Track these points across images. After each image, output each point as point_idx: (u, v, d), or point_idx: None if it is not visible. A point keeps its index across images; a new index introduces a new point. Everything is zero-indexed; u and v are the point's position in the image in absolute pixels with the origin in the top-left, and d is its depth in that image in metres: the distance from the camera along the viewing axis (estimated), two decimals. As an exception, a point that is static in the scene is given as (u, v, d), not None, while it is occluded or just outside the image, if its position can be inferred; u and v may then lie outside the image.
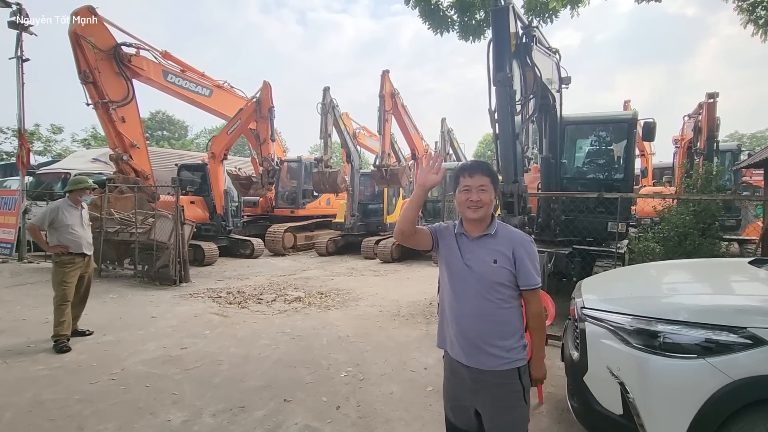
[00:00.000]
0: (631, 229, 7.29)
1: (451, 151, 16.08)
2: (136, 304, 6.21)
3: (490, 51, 3.78)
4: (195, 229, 8.90)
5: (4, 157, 27.23)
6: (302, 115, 57.53)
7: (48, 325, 4.48)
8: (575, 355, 2.41)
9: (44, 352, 4.22)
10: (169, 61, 10.73)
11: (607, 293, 2.66)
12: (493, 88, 3.70)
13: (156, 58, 10.37)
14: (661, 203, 6.45)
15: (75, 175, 4.66)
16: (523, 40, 4.05)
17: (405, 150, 12.91)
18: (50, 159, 23.41)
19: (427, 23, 6.21)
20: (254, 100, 10.71)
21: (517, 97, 3.73)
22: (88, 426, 2.89)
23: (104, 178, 10.74)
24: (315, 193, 14.29)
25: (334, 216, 14.36)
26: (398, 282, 8.55)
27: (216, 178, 11.22)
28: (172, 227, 7.74)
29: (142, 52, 10.05)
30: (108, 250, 8.88)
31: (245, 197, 12.60)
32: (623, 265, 4.92)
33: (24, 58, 10.32)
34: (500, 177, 3.94)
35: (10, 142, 32.78)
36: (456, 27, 6.24)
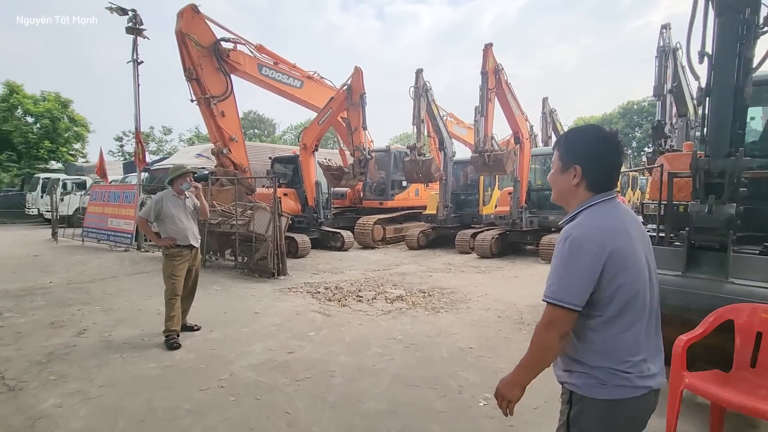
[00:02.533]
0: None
1: (553, 135, 14.47)
2: (239, 298, 6.08)
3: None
4: (290, 221, 8.78)
5: (127, 156, 30.87)
6: (380, 109, 57.71)
7: (160, 317, 4.37)
8: None
9: (156, 347, 4.09)
10: (263, 55, 10.80)
11: None
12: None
13: (251, 52, 10.47)
14: None
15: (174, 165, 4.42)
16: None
17: (503, 133, 11.68)
18: (162, 156, 25.88)
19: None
20: (345, 87, 10.35)
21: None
22: (199, 447, 2.51)
23: (206, 171, 11.22)
24: (404, 184, 13.71)
25: (424, 207, 13.71)
26: (507, 281, 7.58)
27: (308, 169, 11.12)
28: (270, 219, 7.62)
29: (239, 47, 10.20)
30: (211, 241, 9.13)
31: (334, 189, 12.43)
32: None
33: (139, 61, 11.09)
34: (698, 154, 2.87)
35: (131, 144, 37.27)
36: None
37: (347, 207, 14.43)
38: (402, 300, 6.10)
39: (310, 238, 11.10)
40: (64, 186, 18.12)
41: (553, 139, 15.05)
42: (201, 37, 9.38)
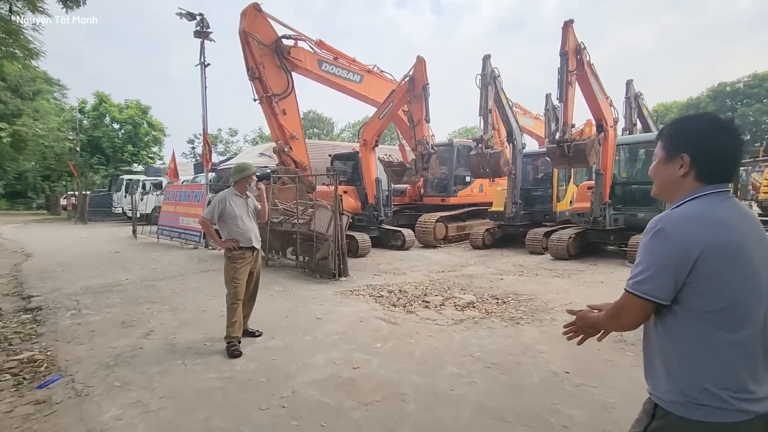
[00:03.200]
0: None
1: (638, 122, 12.89)
2: (300, 300, 5.84)
3: None
4: (351, 220, 8.49)
5: (198, 158, 32.88)
6: (438, 104, 56.51)
7: (222, 320, 4.20)
8: None
9: (218, 354, 3.90)
10: (323, 50, 10.64)
11: None
12: None
13: (311, 48, 10.34)
14: None
15: (237, 164, 4.17)
16: None
17: (581, 118, 10.51)
18: (228, 157, 27.19)
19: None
20: (406, 79, 9.86)
21: None
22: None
23: (269, 170, 11.32)
24: (467, 179, 12.98)
25: (489, 204, 12.88)
26: (591, 288, 6.69)
27: (368, 166, 10.80)
28: (331, 218, 7.37)
29: (299, 44, 10.11)
30: (273, 240, 9.12)
31: (394, 186, 12.03)
32: None
33: (206, 63, 11.43)
34: None
35: (201, 145, 39.73)
36: None
37: (407, 204, 13.99)
38: (473, 307, 5.52)
39: (370, 237, 10.79)
40: (143, 186, 19.51)
41: (639, 126, 13.44)
42: (263, 36, 9.39)
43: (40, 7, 11.32)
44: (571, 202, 11.56)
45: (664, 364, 1.22)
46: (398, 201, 13.62)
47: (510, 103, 10.47)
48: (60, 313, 5.27)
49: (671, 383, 1.19)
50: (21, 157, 27.09)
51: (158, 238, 12.77)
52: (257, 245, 4.18)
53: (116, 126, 27.54)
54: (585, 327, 1.48)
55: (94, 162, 26.90)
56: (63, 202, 25.64)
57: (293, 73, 10.06)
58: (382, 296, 6.07)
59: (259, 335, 4.33)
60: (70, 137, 25.04)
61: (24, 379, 3.49)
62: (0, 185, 38.90)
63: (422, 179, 11.86)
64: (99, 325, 4.84)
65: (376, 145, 11.03)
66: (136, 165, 27.38)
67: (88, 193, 23.37)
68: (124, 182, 20.89)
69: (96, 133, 26.03)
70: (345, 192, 11.27)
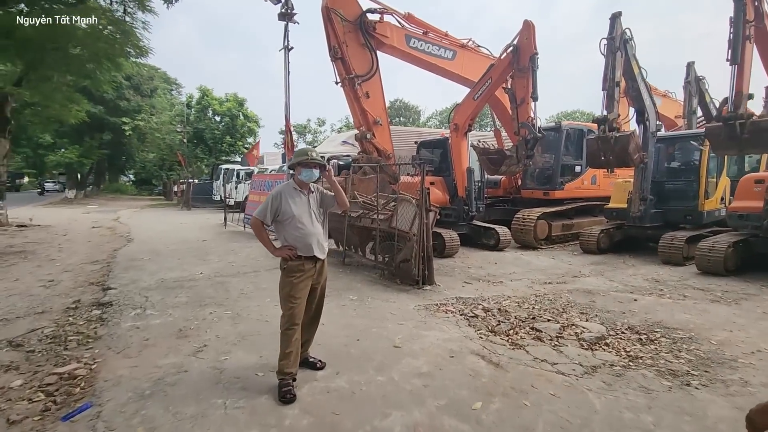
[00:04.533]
0: None
1: (698, 108, 10.20)
2: (376, 316, 4.85)
3: None
4: (438, 216, 7.32)
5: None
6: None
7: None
8: None
9: (268, 393, 3.05)
10: (412, 25, 9.50)
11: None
12: None
13: (399, 22, 9.26)
14: None
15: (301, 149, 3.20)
16: None
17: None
18: (313, 146, 27.55)
19: None
20: (510, 49, 8.29)
21: None
22: None
23: (349, 158, 10.58)
24: (577, 170, 10.94)
25: (604, 200, 10.74)
26: (783, 325, 4.70)
27: (459, 153, 9.48)
28: (415, 214, 6.27)
29: (386, 18, 9.08)
30: (351, 236, 8.32)
31: (488, 176, 10.51)
32: None
33: (290, 47, 10.99)
34: None
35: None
36: None
37: (501, 198, 12.36)
38: (606, 345, 4.02)
39: (459, 234, 9.51)
40: (237, 175, 20.33)
41: (698, 113, 10.76)
42: (347, 11, 8.54)
43: (148, 6, 11.84)
44: (722, 200, 9.03)
45: None
46: (491, 193, 12.05)
47: (644, 74, 8.32)
48: (125, 313, 4.94)
49: None
50: (143, 148, 30.48)
51: (244, 227, 12.87)
52: (321, 254, 3.23)
53: (217, 118, 29.51)
54: None
55: (198, 153, 29.19)
56: (175, 189, 28.21)
57: (378, 53, 9.09)
58: (476, 316, 4.82)
59: (321, 367, 3.40)
60: (179, 129, 27.32)
61: (54, 403, 2.97)
62: (131, 173, 44.75)
63: (522, 170, 10.15)
64: (156, 330, 4.35)
65: (470, 130, 9.63)
66: (234, 155, 29.11)
67: (194, 181, 25.30)
68: (222, 171, 22.07)
69: (200, 125, 28.10)
70: (432, 183, 10.09)
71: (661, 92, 13.92)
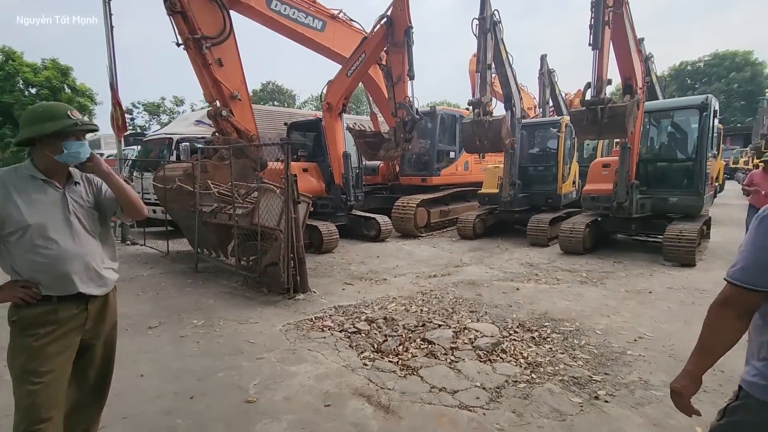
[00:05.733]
0: None
1: (550, 101, 11.82)
2: (227, 349, 3.62)
3: None
4: (312, 208, 6.28)
5: (138, 128, 28.92)
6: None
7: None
8: None
9: None
10: (272, -17, 8.07)
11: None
12: None
13: (257, -23, 7.76)
14: None
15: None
16: None
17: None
18: (162, 126, 23.73)
19: None
20: (383, 21, 7.54)
21: None
22: None
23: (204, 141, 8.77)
24: (452, 155, 10.95)
25: (476, 185, 10.98)
26: (643, 302, 4.89)
27: (334, 136, 8.53)
28: (282, 208, 5.12)
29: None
30: (207, 235, 6.77)
31: (366, 162, 9.82)
32: None
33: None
34: None
35: (142, 117, 35.33)
36: None
37: (380, 185, 11.83)
38: (503, 352, 3.54)
39: (338, 226, 8.64)
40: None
41: (551, 106, 12.52)
42: (185, -47, 6.74)
43: None
44: (574, 183, 9.86)
45: (749, 348, 1.24)
46: (369, 181, 11.42)
47: (510, 60, 8.42)
48: None
49: (753, 364, 1.21)
50: None
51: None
52: (95, 288, 1.90)
53: (32, 90, 23.22)
54: (672, 388, 1.31)
55: (7, 133, 22.68)
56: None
57: (233, 13, 7.50)
58: (359, 331, 3.97)
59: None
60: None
61: None
62: None
63: (402, 154, 9.64)
64: None
65: (344, 111, 8.73)
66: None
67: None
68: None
69: (5, 98, 21.73)
70: (305, 170, 8.98)
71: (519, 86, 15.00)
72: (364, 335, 3.87)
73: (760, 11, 74.72)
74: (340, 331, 3.99)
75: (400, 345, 3.67)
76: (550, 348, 3.62)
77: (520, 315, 4.47)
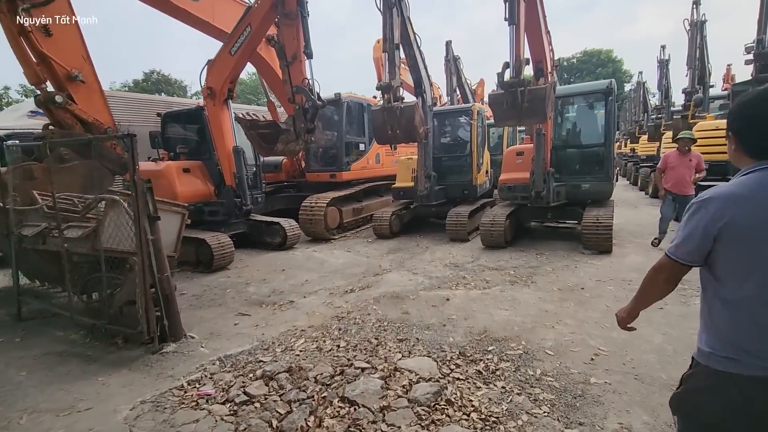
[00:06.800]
0: None
1: (457, 88, 12.00)
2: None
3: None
4: (189, 221, 4.83)
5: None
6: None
7: None
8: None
9: None
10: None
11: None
12: None
13: None
14: None
15: None
16: None
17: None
18: None
19: None
20: (270, -14, 6.22)
21: None
22: None
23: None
24: (361, 148, 10.02)
25: (390, 179, 10.25)
26: (580, 301, 4.46)
27: (220, 129, 7.01)
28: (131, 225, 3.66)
29: None
30: (41, 265, 4.93)
31: (268, 157, 8.40)
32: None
33: None
34: None
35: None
36: None
37: (284, 183, 10.48)
38: (449, 404, 2.68)
39: (233, 235, 7.21)
40: None
41: (458, 93, 12.67)
42: None
43: None
44: (487, 173, 9.59)
45: (701, 322, 1.41)
46: (271, 179, 10.02)
47: (419, 41, 7.69)
48: None
49: (702, 337, 1.38)
50: None
51: None
52: None
53: None
54: (616, 314, 1.73)
55: None
56: None
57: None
58: (251, 400, 2.80)
59: None
60: None
61: None
62: None
63: (304, 147, 8.37)
64: None
65: (231, 98, 7.24)
66: None
67: None
68: None
69: None
70: (186, 170, 7.33)
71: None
72: (258, 406, 2.72)
73: (616, 15, 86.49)
74: (224, 402, 2.79)
75: (310, 414, 2.61)
76: (503, 387, 2.86)
77: (457, 338, 3.68)
